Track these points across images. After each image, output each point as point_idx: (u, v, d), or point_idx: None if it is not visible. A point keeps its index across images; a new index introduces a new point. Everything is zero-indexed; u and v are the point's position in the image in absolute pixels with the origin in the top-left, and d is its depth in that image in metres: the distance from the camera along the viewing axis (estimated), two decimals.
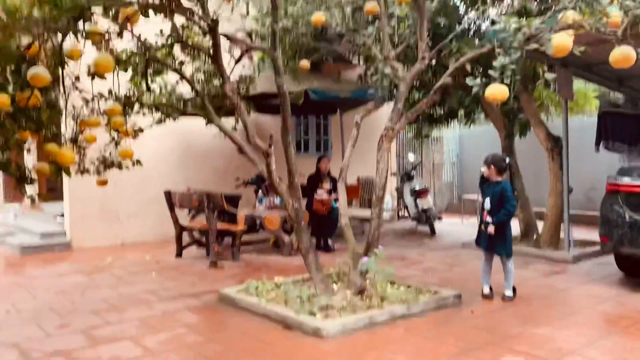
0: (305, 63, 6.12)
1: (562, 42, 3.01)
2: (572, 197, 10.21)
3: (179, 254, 7.17)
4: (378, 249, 4.74)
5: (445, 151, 13.93)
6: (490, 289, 4.99)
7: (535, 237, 7.65)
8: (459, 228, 10.23)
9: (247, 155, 5.02)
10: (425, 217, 9.25)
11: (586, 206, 10.41)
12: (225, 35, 5.00)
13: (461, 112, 9.68)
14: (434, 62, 6.70)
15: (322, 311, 4.27)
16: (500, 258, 4.95)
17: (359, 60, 9.06)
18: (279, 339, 3.86)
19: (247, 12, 5.80)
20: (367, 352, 3.58)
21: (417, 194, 9.31)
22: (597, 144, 7.96)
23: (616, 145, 7.79)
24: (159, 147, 8.63)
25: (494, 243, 4.92)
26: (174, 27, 4.26)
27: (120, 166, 5.48)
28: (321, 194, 7.77)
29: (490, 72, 3.23)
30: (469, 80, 3.37)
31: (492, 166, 4.97)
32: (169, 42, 4.63)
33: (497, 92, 3.46)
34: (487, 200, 4.96)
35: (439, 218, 9.51)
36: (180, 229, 7.17)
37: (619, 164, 8.47)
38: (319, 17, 5.50)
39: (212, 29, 4.21)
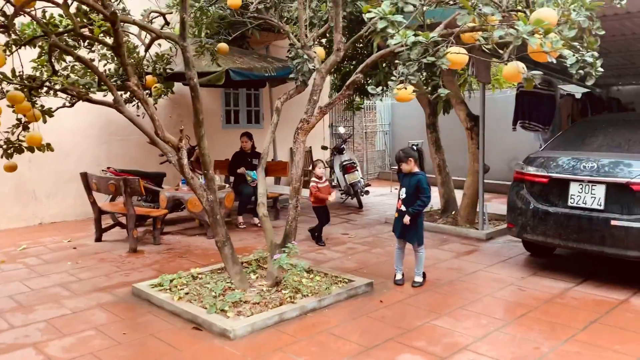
0: (223, 46, 5.93)
1: (456, 58, 3.04)
2: (495, 167, 10.70)
3: (98, 239, 6.99)
4: (292, 243, 4.77)
5: (377, 119, 14.08)
6: (402, 275, 5.18)
7: (453, 213, 7.97)
8: (386, 198, 10.50)
9: (158, 147, 4.89)
10: (353, 191, 9.40)
11: (508, 177, 10.89)
12: (134, 22, 4.77)
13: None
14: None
15: (235, 307, 4.32)
16: (412, 245, 5.13)
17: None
18: (188, 341, 3.88)
19: None
20: (272, 353, 3.66)
21: (345, 169, 9.41)
22: (515, 123, 8.25)
23: (532, 124, 8.09)
24: (77, 121, 8.24)
25: (406, 231, 5.09)
26: (68, 14, 3.98)
27: (32, 150, 5.20)
28: (316, 180, 6.94)
29: (390, 82, 3.24)
30: (370, 89, 3.36)
31: (411, 160, 5.08)
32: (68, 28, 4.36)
33: (404, 95, 3.50)
34: (403, 191, 5.09)
35: (366, 192, 9.68)
36: (98, 212, 6.96)
37: (535, 141, 8.89)
38: (234, 0, 5.31)
39: (112, 22, 3.97)
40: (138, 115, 4.92)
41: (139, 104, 6.82)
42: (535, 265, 5.76)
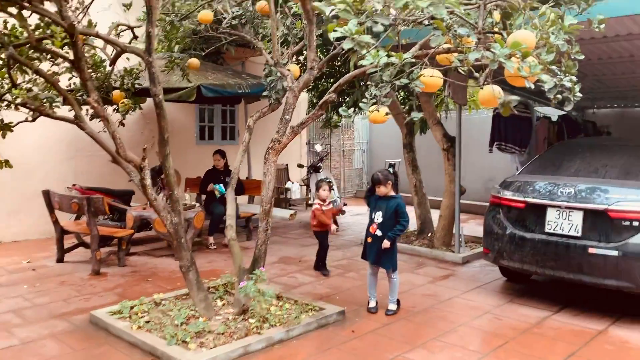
0: (194, 61, 5.73)
1: (430, 81, 2.89)
2: (471, 188, 10.63)
3: (60, 260, 6.65)
4: (260, 269, 4.55)
5: (355, 137, 13.98)
6: (376, 302, 4.98)
7: (429, 234, 7.82)
8: (363, 218, 10.32)
9: (121, 166, 4.66)
10: None
11: (485, 197, 10.85)
12: (97, 35, 4.56)
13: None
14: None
15: (198, 338, 4.07)
16: (387, 271, 4.94)
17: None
18: None
19: (128, 7, 5.28)
20: None
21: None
22: (491, 144, 8.19)
23: (508, 146, 8.03)
24: (43, 136, 7.94)
25: (382, 257, 4.89)
26: (24, 26, 3.75)
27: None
28: (320, 202, 6.36)
29: (361, 104, 3.07)
30: (342, 111, 3.20)
31: (389, 183, 4.91)
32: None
33: (377, 116, 3.33)
34: (379, 214, 4.89)
35: (343, 212, 9.50)
36: (61, 231, 6.64)
37: (511, 163, 8.84)
38: (205, 15, 5.14)
39: (70, 35, 3.75)
40: (104, 132, 4.68)
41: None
42: (512, 291, 5.62)
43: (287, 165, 11.72)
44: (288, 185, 11.32)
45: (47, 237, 7.90)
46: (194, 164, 9.21)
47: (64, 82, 5.45)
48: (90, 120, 6.24)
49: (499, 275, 6.06)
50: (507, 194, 5.23)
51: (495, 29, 2.79)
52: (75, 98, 5.23)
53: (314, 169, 9.84)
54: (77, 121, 4.60)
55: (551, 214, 4.87)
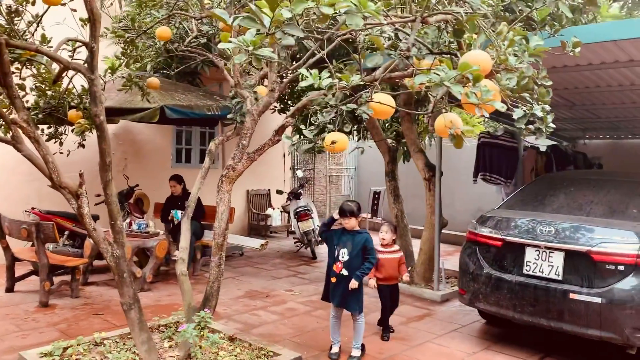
0: (153, 81, 5.38)
1: (381, 108, 2.52)
2: (459, 218, 10.22)
3: (9, 289, 6.21)
4: (205, 311, 4.11)
5: (343, 163, 13.63)
6: (339, 348, 4.53)
7: (410, 268, 7.39)
8: None
9: (60, 192, 4.26)
10: (307, 240, 8.80)
11: None
12: (37, 50, 4.21)
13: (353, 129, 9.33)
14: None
15: None
16: (352, 314, 4.49)
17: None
18: None
19: (85, 22, 4.95)
20: None
21: (299, 216, 8.83)
22: (475, 175, 7.82)
23: (493, 177, 7.66)
24: (5, 157, 7.53)
25: (348, 299, 4.43)
26: None
27: None
28: (382, 249, 5.04)
29: (305, 132, 2.69)
30: (284, 137, 2.82)
31: (359, 216, 4.51)
32: None
33: (338, 142, 2.94)
34: (344, 251, 4.44)
35: (321, 242, 9.08)
36: (11, 258, 6.21)
37: (496, 194, 8.45)
38: (162, 31, 4.81)
39: None
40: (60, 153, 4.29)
41: (61, 140, 6.27)
42: (490, 336, 5.17)
43: (268, 190, 11.33)
44: (269, 211, 10.92)
45: (2, 263, 7.45)
46: (168, 187, 8.82)
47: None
48: (48, 140, 5.89)
49: (478, 317, 5.63)
50: (484, 231, 4.83)
51: (452, 49, 2.43)
52: (30, 117, 4.88)
53: (294, 195, 9.45)
54: (13, 142, 4.21)
55: (530, 254, 4.46)
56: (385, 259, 4.96)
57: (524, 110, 2.69)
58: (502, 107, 2.08)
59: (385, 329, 5.09)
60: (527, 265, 4.46)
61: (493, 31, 2.42)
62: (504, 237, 4.64)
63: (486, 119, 9.45)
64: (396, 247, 5.12)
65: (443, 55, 2.40)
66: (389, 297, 5.10)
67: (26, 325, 5.11)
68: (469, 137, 11.44)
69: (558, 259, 4.29)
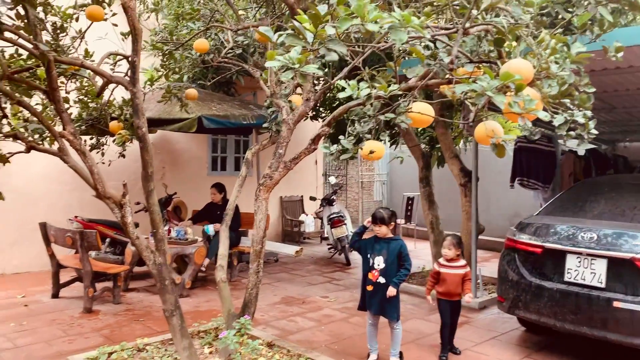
0: (191, 92, 5.51)
1: (419, 117, 2.53)
2: (495, 224, 10.09)
3: (55, 295, 6.42)
4: (245, 317, 4.18)
5: (375, 169, 13.60)
6: (377, 356, 4.53)
7: None
8: None
9: (104, 201, 4.40)
10: (340, 247, 8.82)
11: None
12: (82, 65, 4.36)
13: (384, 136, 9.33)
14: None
15: None
16: (390, 322, 4.49)
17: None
18: None
19: (126, 35, 5.12)
20: None
21: (332, 222, 8.86)
22: (512, 180, 7.70)
23: (531, 182, 7.53)
24: (47, 166, 7.82)
25: (387, 307, 4.42)
26: None
27: None
28: (443, 263, 4.77)
29: (342, 141, 2.73)
30: (322, 148, 2.86)
31: (392, 224, 4.50)
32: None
33: (376, 151, 2.96)
34: (380, 259, 4.44)
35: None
36: (57, 265, 6.42)
37: (533, 199, 8.31)
38: (200, 43, 4.93)
39: (44, 64, 3.55)
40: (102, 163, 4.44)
41: (103, 150, 6.47)
42: (531, 344, 5.09)
43: (301, 197, 11.41)
44: (302, 218, 10.99)
45: (48, 269, 7.69)
46: (205, 195, 8.95)
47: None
48: (91, 151, 6.10)
49: (518, 325, 5.54)
50: (523, 238, 4.76)
51: (492, 58, 2.43)
52: (75, 130, 5.06)
53: (327, 201, 9.48)
54: (60, 154, 4.38)
55: (571, 262, 4.38)
56: (447, 273, 4.65)
57: (564, 117, 2.66)
58: (545, 117, 2.07)
59: (443, 347, 4.73)
60: (568, 273, 4.38)
61: (534, 38, 2.41)
62: (544, 244, 4.57)
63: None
64: (462, 262, 4.72)
65: (483, 63, 2.40)
66: (448, 314, 4.72)
67: (72, 330, 5.27)
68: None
69: (600, 266, 4.20)
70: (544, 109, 2.56)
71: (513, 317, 5.58)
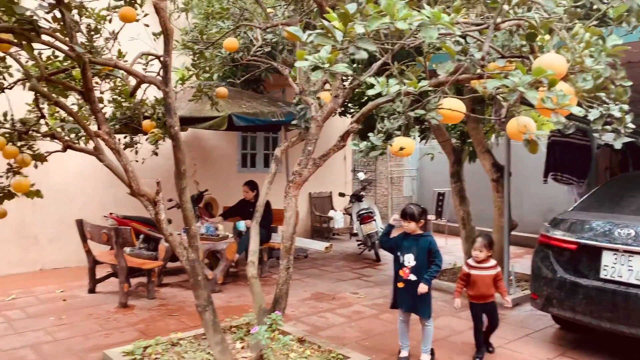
0: (222, 90, 5.57)
1: (450, 113, 2.51)
2: (528, 219, 9.92)
3: (91, 290, 6.60)
4: (276, 313, 4.22)
5: (404, 164, 13.51)
6: (408, 353, 4.52)
7: None
8: None
9: (138, 199, 4.50)
10: (370, 243, 8.80)
11: None
12: (115, 65, 4.46)
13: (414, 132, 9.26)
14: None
15: None
16: (421, 319, 4.47)
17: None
18: None
19: (157, 36, 5.21)
20: None
21: (361, 219, 8.85)
22: (546, 175, 7.55)
23: (565, 177, 7.37)
24: (83, 164, 8.01)
25: (419, 304, 4.39)
26: (32, 56, 3.66)
27: (28, 195, 4.91)
28: (473, 264, 4.62)
29: (372, 138, 2.72)
30: (352, 145, 2.86)
31: (422, 221, 4.47)
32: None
33: (406, 147, 2.95)
34: (410, 257, 4.42)
35: None
36: (93, 261, 6.60)
37: (567, 194, 8.13)
38: (230, 42, 4.98)
39: (80, 65, 3.64)
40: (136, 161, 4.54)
41: (136, 149, 6.59)
42: (565, 342, 5.00)
43: (330, 193, 11.42)
44: (331, 214, 11.00)
45: (85, 265, 7.91)
46: (235, 191, 9.06)
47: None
48: (125, 149, 6.23)
49: (552, 322, 5.45)
50: (557, 234, 4.67)
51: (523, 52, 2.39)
52: (110, 129, 5.18)
53: (356, 197, 9.48)
54: (96, 153, 4.49)
55: (607, 258, 4.28)
56: (477, 275, 4.51)
57: (600, 111, 2.60)
58: (579, 112, 2.03)
59: (478, 349, 4.59)
60: (604, 270, 4.28)
61: (567, 30, 2.36)
62: (579, 240, 4.48)
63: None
64: (492, 262, 4.55)
65: (514, 58, 2.36)
66: (481, 318, 4.57)
67: (108, 324, 5.41)
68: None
69: (638, 263, 4.09)
70: (579, 104, 2.51)
71: (546, 315, 5.48)
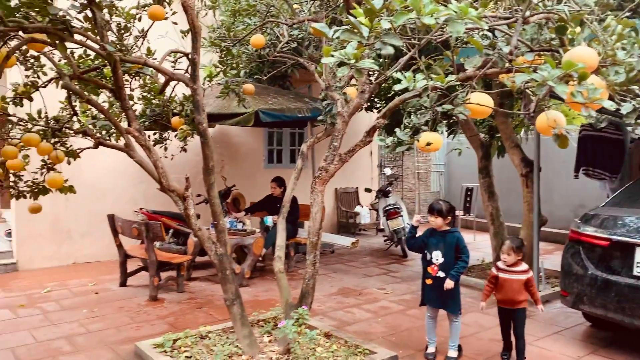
0: (249, 86, 5.62)
1: (478, 108, 2.49)
2: (559, 215, 9.74)
3: (123, 283, 6.75)
4: (303, 308, 4.25)
5: (431, 159, 13.40)
6: (435, 348, 4.51)
7: None
8: None
9: (168, 194, 4.58)
10: (397, 239, 8.77)
11: None
12: (145, 63, 4.54)
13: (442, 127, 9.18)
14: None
15: None
16: (449, 315, 4.45)
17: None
18: None
19: (185, 33, 5.28)
20: None
21: (388, 214, 8.81)
22: (577, 170, 7.39)
23: (597, 172, 7.21)
24: (115, 160, 8.18)
25: (447, 300, 4.37)
26: (65, 56, 3.75)
27: (61, 191, 5.06)
28: (502, 268, 4.35)
29: (399, 133, 2.72)
30: (378, 140, 2.86)
31: (449, 218, 4.44)
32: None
33: (433, 142, 2.94)
34: (438, 253, 4.38)
35: None
36: (124, 255, 6.74)
37: (601, 190, 7.95)
38: (257, 39, 5.02)
39: (111, 63, 3.72)
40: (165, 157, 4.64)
41: (165, 145, 6.70)
42: (596, 340, 4.91)
43: (356, 188, 11.41)
44: (357, 209, 11.00)
45: (116, 259, 8.10)
46: (262, 187, 9.14)
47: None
48: (154, 146, 6.34)
49: (582, 319, 5.35)
50: (589, 230, 4.58)
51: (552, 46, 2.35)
52: (140, 126, 5.29)
53: (382, 193, 9.44)
54: (127, 149, 4.58)
55: None
56: (504, 278, 4.26)
57: (633, 105, 2.54)
58: (611, 106, 1.99)
59: (505, 347, 4.46)
60: (637, 267, 4.19)
61: (599, 22, 2.31)
62: (611, 236, 4.38)
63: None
64: (523, 267, 4.27)
65: (544, 52, 2.32)
66: (509, 325, 4.39)
67: (139, 317, 5.53)
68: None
69: None
70: (611, 97, 2.46)
71: (577, 312, 5.39)
